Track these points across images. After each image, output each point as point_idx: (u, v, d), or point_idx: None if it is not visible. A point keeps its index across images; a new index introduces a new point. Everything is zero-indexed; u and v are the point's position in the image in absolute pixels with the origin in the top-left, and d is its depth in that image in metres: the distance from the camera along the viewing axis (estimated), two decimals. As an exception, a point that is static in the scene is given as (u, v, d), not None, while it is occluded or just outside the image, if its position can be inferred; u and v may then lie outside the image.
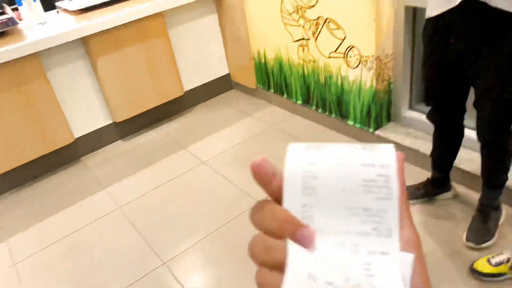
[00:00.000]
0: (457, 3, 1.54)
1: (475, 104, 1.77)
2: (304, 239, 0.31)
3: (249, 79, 3.45)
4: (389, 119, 2.63)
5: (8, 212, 2.69)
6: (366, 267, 0.32)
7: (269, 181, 0.32)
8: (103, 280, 2.10)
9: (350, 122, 2.72)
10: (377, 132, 2.58)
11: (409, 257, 0.32)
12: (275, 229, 0.32)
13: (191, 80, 3.47)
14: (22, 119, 2.69)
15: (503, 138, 1.80)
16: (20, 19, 2.87)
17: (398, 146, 2.48)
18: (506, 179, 1.93)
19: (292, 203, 0.32)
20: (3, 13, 2.80)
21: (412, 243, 0.32)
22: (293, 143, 0.33)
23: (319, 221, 0.32)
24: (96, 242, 2.35)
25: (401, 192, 0.31)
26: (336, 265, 0.32)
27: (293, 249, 0.32)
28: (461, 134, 2.01)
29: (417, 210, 2.18)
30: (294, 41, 2.81)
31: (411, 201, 2.20)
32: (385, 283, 0.31)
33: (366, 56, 2.38)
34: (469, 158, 2.23)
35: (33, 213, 2.63)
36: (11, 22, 2.69)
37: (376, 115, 2.55)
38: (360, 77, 2.48)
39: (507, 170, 1.91)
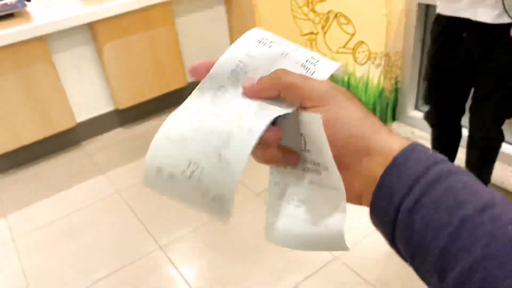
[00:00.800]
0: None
1: (474, 106, 1.75)
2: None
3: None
4: (393, 118, 2.62)
5: (7, 191, 2.67)
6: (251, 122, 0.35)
7: None
8: (99, 260, 2.08)
9: (355, 120, 2.69)
10: (381, 130, 2.56)
11: (316, 117, 0.33)
12: None
13: (196, 72, 3.44)
14: (25, 101, 2.67)
15: (497, 137, 1.79)
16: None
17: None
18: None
19: (232, 52, 0.39)
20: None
21: (336, 89, 0.34)
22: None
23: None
24: (93, 224, 2.33)
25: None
26: (223, 108, 0.36)
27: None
28: (459, 135, 1.97)
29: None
30: (302, 35, 2.79)
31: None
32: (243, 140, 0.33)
33: (375, 53, 2.36)
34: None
35: (31, 193, 2.61)
36: (19, 4, 2.68)
37: (381, 113, 2.54)
38: (368, 74, 2.47)
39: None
